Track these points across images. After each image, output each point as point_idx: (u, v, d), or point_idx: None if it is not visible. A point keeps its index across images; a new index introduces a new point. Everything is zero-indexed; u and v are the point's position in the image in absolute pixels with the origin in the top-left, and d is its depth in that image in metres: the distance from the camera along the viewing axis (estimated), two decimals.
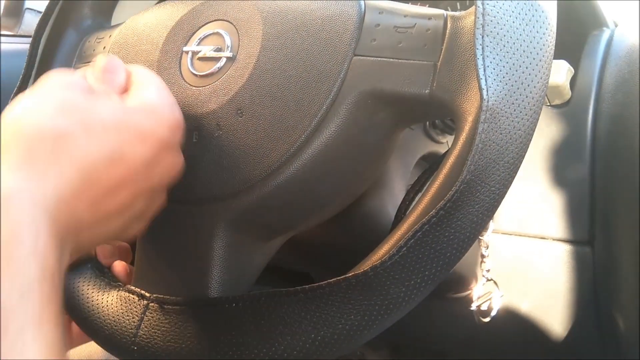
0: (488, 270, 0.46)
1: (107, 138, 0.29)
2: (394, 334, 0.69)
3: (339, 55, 0.36)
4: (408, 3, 0.39)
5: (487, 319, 0.48)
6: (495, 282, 0.47)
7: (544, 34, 0.33)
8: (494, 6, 0.32)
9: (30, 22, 1.00)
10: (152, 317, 0.36)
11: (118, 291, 0.39)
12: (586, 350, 0.56)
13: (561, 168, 0.54)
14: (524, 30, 0.32)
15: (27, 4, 1.00)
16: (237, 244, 0.38)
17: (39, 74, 0.52)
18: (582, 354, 0.56)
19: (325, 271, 0.58)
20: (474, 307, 0.48)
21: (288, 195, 0.36)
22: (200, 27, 0.42)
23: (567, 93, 0.53)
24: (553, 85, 0.52)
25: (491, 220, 0.33)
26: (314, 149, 0.35)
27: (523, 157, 0.31)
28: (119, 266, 0.43)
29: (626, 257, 0.49)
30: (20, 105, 0.28)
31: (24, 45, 0.86)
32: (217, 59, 0.39)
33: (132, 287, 0.38)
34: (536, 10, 0.33)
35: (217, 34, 0.40)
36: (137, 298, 0.37)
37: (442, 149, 0.51)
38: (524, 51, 0.32)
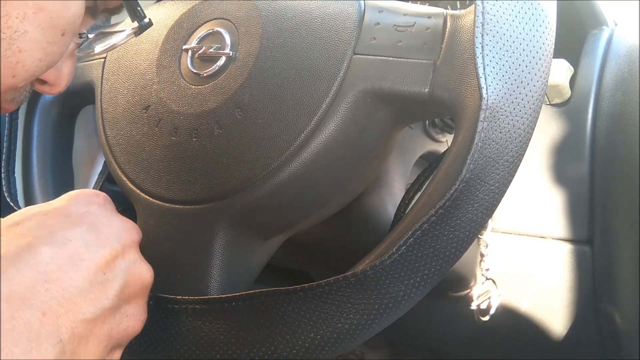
0: (487, 269, 0.46)
1: None
2: (393, 333, 0.69)
3: (339, 53, 0.36)
4: (408, 2, 0.39)
5: (486, 318, 0.48)
6: (493, 281, 0.47)
7: (543, 32, 0.33)
8: (494, 5, 0.32)
9: None
10: (152, 317, 0.36)
11: None
12: (586, 350, 0.56)
13: (561, 167, 0.53)
14: (523, 29, 0.32)
15: None
16: (237, 243, 0.37)
17: None
18: (581, 353, 0.56)
19: (325, 270, 0.58)
20: (474, 306, 0.48)
21: (287, 193, 0.36)
22: (200, 26, 0.42)
23: (567, 92, 0.53)
24: (553, 84, 0.52)
25: (490, 219, 0.33)
26: (314, 148, 0.35)
27: (522, 156, 0.31)
28: None
29: (626, 256, 0.49)
30: None
31: None
32: (217, 57, 0.39)
33: None
34: (536, 9, 0.33)
35: (217, 32, 0.40)
36: None
37: (442, 148, 0.51)
38: (523, 50, 0.32)
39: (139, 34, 0.34)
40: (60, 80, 0.34)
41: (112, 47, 0.35)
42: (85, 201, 0.33)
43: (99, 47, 0.34)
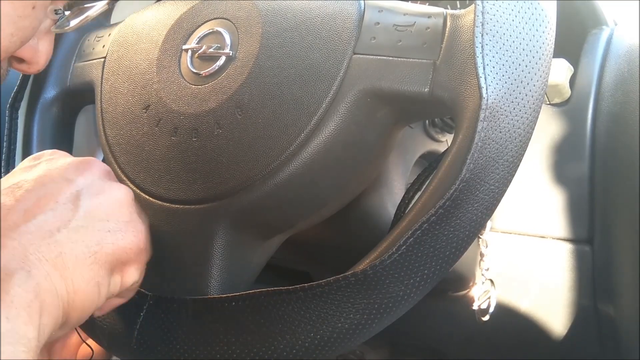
0: (487, 269, 0.46)
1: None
2: (393, 333, 0.69)
3: (339, 53, 0.36)
4: (408, 1, 0.39)
5: (485, 318, 0.48)
6: (491, 281, 0.47)
7: (543, 32, 0.33)
8: (494, 5, 0.32)
9: None
10: (152, 316, 0.36)
11: None
12: (585, 350, 0.56)
13: (561, 167, 0.53)
14: (523, 28, 0.32)
15: None
16: (237, 243, 0.37)
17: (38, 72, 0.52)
18: (581, 353, 0.56)
19: (325, 270, 0.58)
20: (475, 306, 0.48)
21: (287, 193, 0.36)
22: (199, 26, 0.42)
23: (567, 92, 0.53)
24: (552, 83, 0.52)
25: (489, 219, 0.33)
26: (314, 148, 0.35)
27: (522, 155, 0.31)
28: None
29: (626, 255, 0.49)
30: None
31: None
32: (217, 57, 0.39)
33: None
34: (535, 9, 0.33)
35: (217, 32, 0.40)
36: (136, 297, 0.37)
37: (442, 148, 0.51)
38: (523, 49, 0.32)
39: (112, 5, 0.35)
40: (38, 58, 0.34)
41: (87, 20, 0.34)
42: (35, 156, 0.35)
43: (74, 22, 0.34)
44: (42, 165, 0.34)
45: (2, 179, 0.33)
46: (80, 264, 0.29)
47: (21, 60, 0.33)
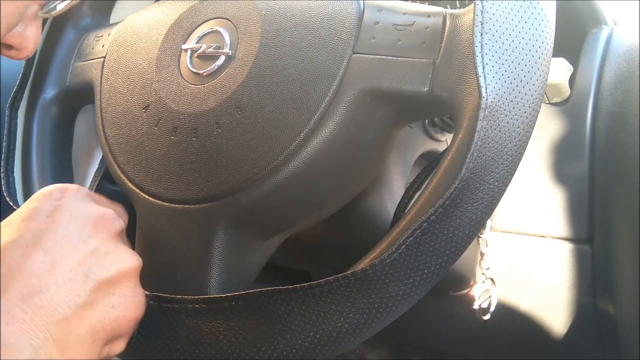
0: (487, 269, 0.46)
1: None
2: (393, 333, 0.69)
3: (338, 53, 0.36)
4: (407, 1, 0.39)
5: (486, 317, 0.48)
6: (492, 280, 0.47)
7: (542, 31, 0.33)
8: (493, 4, 0.32)
9: None
10: (152, 316, 0.36)
11: None
12: (585, 349, 0.56)
13: (560, 166, 0.54)
14: (522, 28, 0.32)
15: None
16: (236, 243, 0.37)
17: (38, 72, 0.52)
18: (581, 353, 0.56)
19: (325, 269, 0.58)
20: (476, 305, 0.48)
21: (287, 193, 0.36)
22: (199, 25, 0.42)
23: (566, 91, 0.53)
24: (552, 83, 0.52)
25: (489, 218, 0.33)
26: (313, 147, 0.35)
27: (522, 155, 0.31)
28: None
29: (625, 254, 0.49)
30: None
31: None
32: (216, 57, 0.39)
33: None
34: (535, 8, 0.33)
35: (216, 32, 0.40)
36: None
37: (441, 147, 0.51)
38: (522, 49, 0.32)
39: None
40: (26, 44, 0.33)
41: (73, 4, 0.34)
42: (55, 194, 0.33)
43: (61, 6, 0.34)
44: (61, 211, 0.32)
45: (15, 213, 0.32)
46: (81, 345, 0.29)
47: (10, 47, 0.33)
